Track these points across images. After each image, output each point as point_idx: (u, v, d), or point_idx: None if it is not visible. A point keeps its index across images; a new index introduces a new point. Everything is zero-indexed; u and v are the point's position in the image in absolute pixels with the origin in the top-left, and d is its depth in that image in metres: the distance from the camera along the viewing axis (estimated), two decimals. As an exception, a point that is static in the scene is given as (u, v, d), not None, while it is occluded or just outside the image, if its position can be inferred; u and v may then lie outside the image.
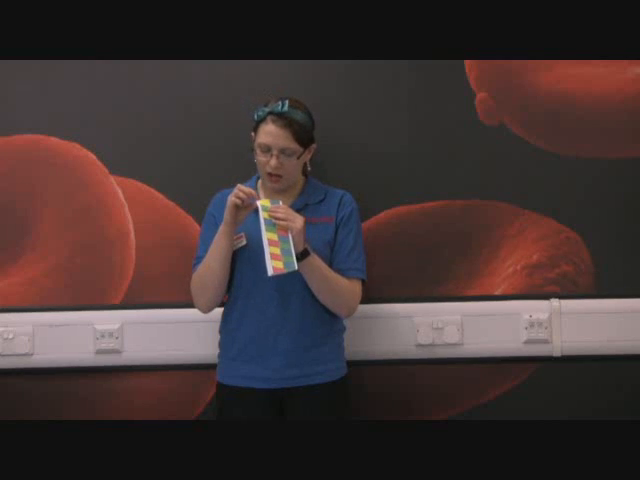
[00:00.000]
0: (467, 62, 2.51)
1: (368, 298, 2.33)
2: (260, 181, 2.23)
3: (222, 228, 2.06)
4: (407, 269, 2.50)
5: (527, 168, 2.53)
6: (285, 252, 1.99)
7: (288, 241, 1.98)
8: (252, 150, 2.17)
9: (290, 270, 1.98)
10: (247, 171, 2.33)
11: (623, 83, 2.53)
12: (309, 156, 2.20)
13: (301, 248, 2.02)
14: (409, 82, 2.52)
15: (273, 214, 1.99)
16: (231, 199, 2.02)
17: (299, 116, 2.12)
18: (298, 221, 2.00)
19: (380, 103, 2.50)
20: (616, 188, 2.56)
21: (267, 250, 1.97)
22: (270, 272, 1.98)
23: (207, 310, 2.16)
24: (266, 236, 1.98)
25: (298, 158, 2.14)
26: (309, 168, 2.22)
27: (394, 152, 2.50)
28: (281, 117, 2.10)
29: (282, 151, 2.10)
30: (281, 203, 2.01)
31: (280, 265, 1.95)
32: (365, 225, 2.47)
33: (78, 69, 2.52)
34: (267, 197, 2.16)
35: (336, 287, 2.10)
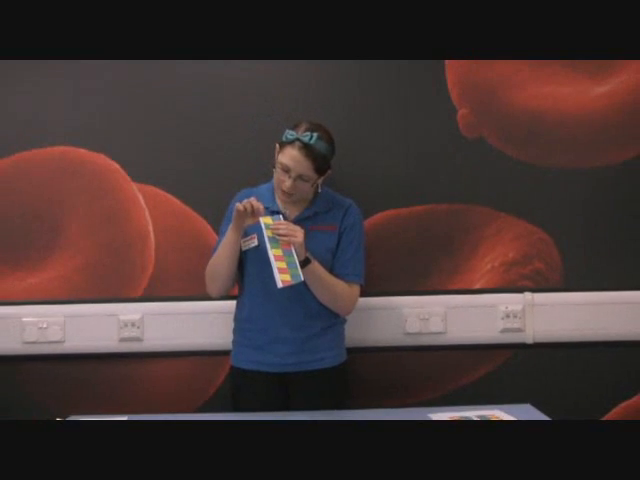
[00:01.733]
0: (450, 80, 2.65)
1: (362, 292, 2.42)
2: None
3: (231, 226, 2.19)
4: (397, 266, 2.64)
5: (504, 176, 2.67)
6: (290, 265, 2.09)
7: (292, 254, 2.08)
8: (273, 162, 2.27)
9: (297, 281, 2.08)
10: (257, 179, 2.46)
11: (588, 100, 2.66)
12: (322, 180, 2.28)
13: (302, 257, 2.12)
14: (398, 100, 2.65)
15: (275, 231, 2.10)
16: (238, 205, 2.13)
17: (323, 148, 2.18)
18: (299, 234, 2.10)
19: (376, 118, 2.63)
20: (583, 194, 2.69)
21: (274, 265, 2.06)
22: (279, 285, 2.07)
23: (216, 295, 2.31)
24: (272, 252, 2.07)
25: (312, 185, 2.25)
26: (320, 190, 2.32)
27: (385, 160, 2.62)
28: (307, 147, 2.17)
29: (299, 176, 2.18)
30: (281, 218, 2.11)
31: (287, 278, 2.05)
32: (370, 222, 2.60)
33: (100, 87, 2.66)
34: (280, 203, 2.27)
35: (335, 291, 2.20)
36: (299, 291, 2.20)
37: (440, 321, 2.62)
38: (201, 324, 2.58)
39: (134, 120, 2.63)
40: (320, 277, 2.18)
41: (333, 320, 2.31)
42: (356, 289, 2.28)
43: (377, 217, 2.64)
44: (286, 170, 2.19)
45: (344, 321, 2.37)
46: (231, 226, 2.18)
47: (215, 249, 2.33)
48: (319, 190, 2.30)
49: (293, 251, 2.09)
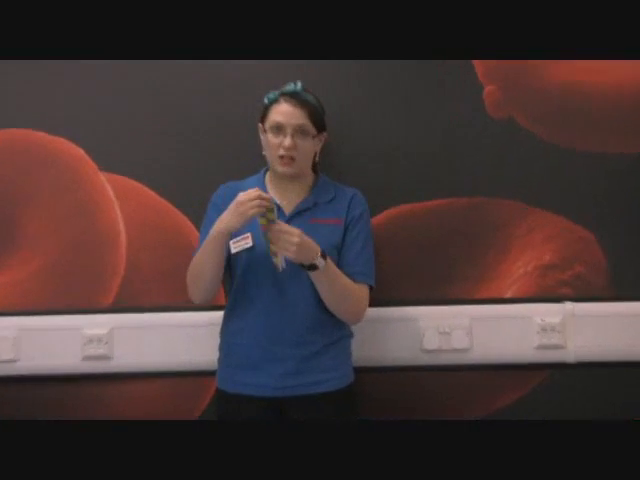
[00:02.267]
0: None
1: (372, 300, 2.16)
2: (268, 175, 2.10)
3: (222, 231, 1.92)
4: (412, 270, 2.36)
5: (536, 163, 2.39)
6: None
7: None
8: (261, 145, 2.08)
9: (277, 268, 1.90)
10: (245, 169, 2.23)
11: (638, 73, 2.40)
12: (320, 145, 2.07)
13: (307, 261, 1.89)
14: (411, 75, 2.41)
15: (269, 234, 1.87)
16: (254, 209, 1.85)
17: (312, 98, 2.03)
18: (291, 246, 1.86)
19: (382, 98, 2.38)
20: (632, 184, 2.41)
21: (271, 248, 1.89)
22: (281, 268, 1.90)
23: (199, 302, 2.05)
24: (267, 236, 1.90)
25: (313, 139, 2.01)
26: (317, 159, 2.09)
27: (395, 148, 2.36)
28: (294, 97, 2.01)
29: (296, 130, 1.98)
30: (277, 220, 1.85)
31: (277, 261, 1.89)
32: (379, 218, 2.36)
33: (62, 64, 2.41)
34: (276, 190, 2.05)
35: (349, 293, 1.97)
36: (300, 298, 1.96)
37: (464, 336, 2.33)
38: (182, 339, 2.30)
39: (101, 99, 2.39)
40: (334, 278, 1.93)
41: (338, 334, 2.04)
42: (366, 291, 2.02)
43: (388, 213, 2.35)
44: (279, 129, 1.98)
45: (351, 335, 2.11)
46: (221, 232, 1.90)
47: (199, 243, 2.07)
48: (317, 159, 2.08)
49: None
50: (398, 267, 2.35)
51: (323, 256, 1.88)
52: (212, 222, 1.99)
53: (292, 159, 1.97)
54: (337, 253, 2.00)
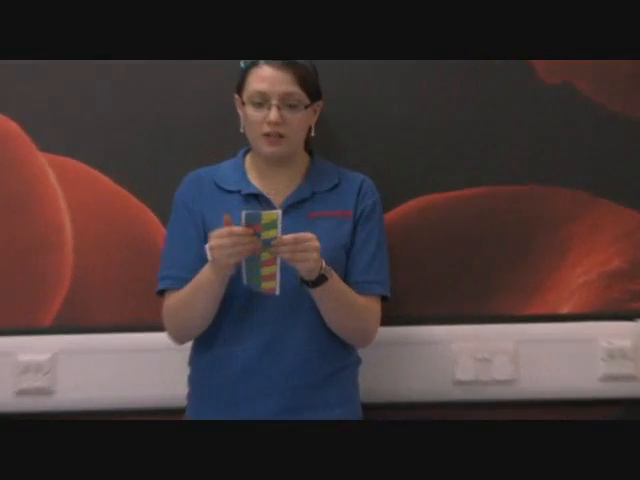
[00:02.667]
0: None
1: (387, 317, 1.92)
2: (249, 157, 1.86)
3: (217, 276, 1.71)
4: (440, 278, 2.12)
5: (602, 142, 2.13)
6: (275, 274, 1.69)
7: (277, 263, 1.68)
8: (239, 121, 1.84)
9: (273, 293, 1.70)
10: (221, 150, 1.97)
11: None
12: (315, 118, 1.84)
13: (314, 276, 1.69)
14: None
15: (278, 251, 1.65)
16: (236, 256, 1.65)
17: (299, 58, 1.80)
18: (311, 257, 1.66)
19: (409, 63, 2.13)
20: None
21: (261, 272, 1.68)
22: (262, 290, 1.69)
23: (181, 343, 1.85)
24: (262, 257, 1.67)
25: (305, 109, 1.78)
26: (313, 133, 1.85)
27: (421, 124, 2.11)
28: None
29: (284, 99, 1.76)
30: (280, 214, 1.62)
31: (273, 285, 1.67)
32: (394, 215, 2.11)
33: None
34: (260, 177, 1.82)
35: (356, 309, 1.80)
36: (297, 317, 1.77)
37: (508, 363, 2.09)
38: (145, 368, 2.07)
39: (42, 65, 2.12)
40: (341, 292, 1.76)
41: (344, 360, 1.84)
42: (378, 304, 1.84)
43: (407, 207, 2.10)
44: (262, 100, 1.76)
45: (358, 362, 1.89)
46: (215, 272, 1.70)
47: (167, 270, 1.83)
48: (312, 134, 1.84)
49: (278, 264, 1.66)
50: (421, 275, 2.11)
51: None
52: (185, 232, 1.80)
53: (280, 137, 1.77)
54: (345, 253, 1.80)
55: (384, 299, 1.85)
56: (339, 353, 1.82)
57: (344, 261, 1.80)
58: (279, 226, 1.59)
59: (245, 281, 1.64)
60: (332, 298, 1.74)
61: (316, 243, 1.62)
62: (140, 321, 2.07)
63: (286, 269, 1.66)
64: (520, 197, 2.11)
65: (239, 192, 1.77)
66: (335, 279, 1.71)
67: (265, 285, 1.66)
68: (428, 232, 2.13)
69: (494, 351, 2.09)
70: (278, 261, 1.63)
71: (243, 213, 1.58)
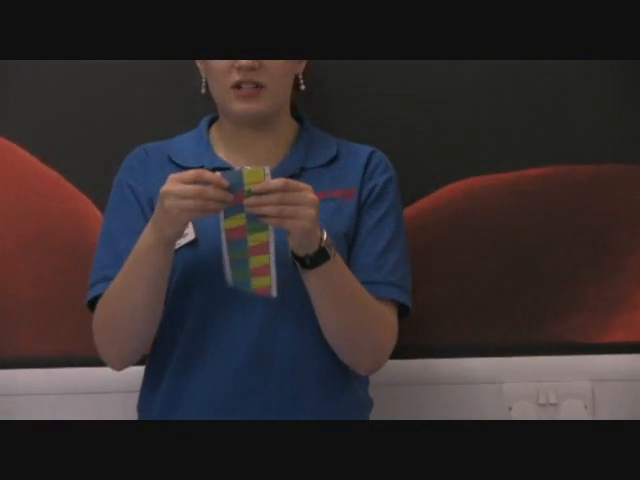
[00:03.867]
0: None
1: (412, 346, 1.70)
2: (215, 127, 1.60)
3: (158, 239, 1.43)
4: (485, 290, 1.78)
5: None
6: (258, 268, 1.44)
7: (269, 254, 1.43)
8: (201, 82, 1.60)
9: (265, 295, 1.44)
10: (181, 120, 1.71)
11: None
12: (302, 65, 1.59)
13: (312, 248, 1.41)
14: None
15: (256, 209, 1.36)
16: (200, 204, 1.38)
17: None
18: (304, 213, 1.38)
19: None
20: None
21: (249, 266, 1.42)
22: (233, 284, 1.45)
23: (122, 365, 1.55)
24: (249, 242, 1.40)
25: (288, 71, 1.57)
26: (303, 86, 1.60)
27: (460, 92, 1.79)
28: None
29: None
30: (267, 171, 1.37)
31: (267, 282, 1.40)
32: (411, 211, 1.75)
33: None
34: (231, 150, 1.57)
35: (366, 313, 1.50)
36: (287, 331, 1.48)
37: (581, 409, 1.78)
38: (80, 414, 1.75)
39: None
40: (345, 288, 1.45)
41: (350, 398, 1.55)
42: (393, 314, 1.52)
43: (437, 197, 1.79)
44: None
45: (368, 404, 1.58)
46: (157, 241, 1.42)
47: (101, 269, 1.55)
48: (302, 87, 1.62)
49: (272, 252, 1.37)
50: (456, 288, 1.79)
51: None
52: (127, 220, 1.55)
53: (257, 87, 1.50)
54: (346, 245, 1.54)
55: (403, 312, 1.52)
56: (341, 387, 1.51)
57: (346, 252, 1.50)
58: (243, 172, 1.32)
59: (230, 280, 1.37)
60: (334, 289, 1.44)
61: (313, 196, 1.34)
62: (73, 351, 1.74)
63: None
64: (592, 180, 1.75)
65: (202, 167, 1.46)
66: (340, 262, 1.43)
67: (256, 282, 1.38)
68: (467, 226, 1.75)
69: (562, 393, 1.77)
70: (272, 246, 1.34)
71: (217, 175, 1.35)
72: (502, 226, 1.75)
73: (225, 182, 1.29)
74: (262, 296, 1.38)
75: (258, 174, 1.28)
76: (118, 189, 1.54)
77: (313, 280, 1.39)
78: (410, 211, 1.71)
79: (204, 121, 1.57)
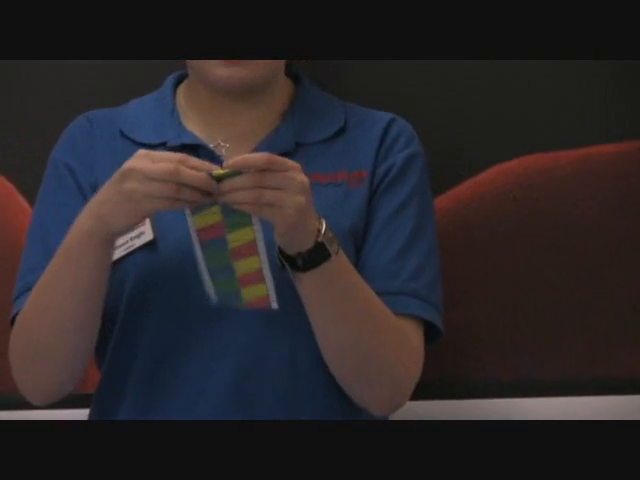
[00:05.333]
0: None
1: (443, 381, 1.42)
2: (183, 88, 1.35)
3: (101, 232, 1.18)
4: (543, 308, 1.45)
5: None
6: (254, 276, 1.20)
7: (258, 253, 1.17)
8: None
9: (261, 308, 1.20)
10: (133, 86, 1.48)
11: None
12: None
13: (304, 245, 1.16)
14: None
15: (231, 198, 1.11)
16: (171, 190, 1.12)
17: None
18: (289, 201, 1.13)
19: None
20: None
21: (235, 273, 1.18)
22: (223, 302, 1.21)
23: (45, 400, 1.31)
24: (230, 242, 1.15)
25: None
26: None
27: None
28: None
29: None
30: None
31: (262, 292, 1.16)
32: (444, 202, 1.48)
33: None
34: (202, 117, 1.34)
35: (377, 332, 1.23)
36: (280, 359, 1.24)
37: None
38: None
39: None
40: (348, 291, 1.20)
41: None
42: (418, 338, 1.24)
43: (491, 175, 1.46)
44: None
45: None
46: (104, 222, 1.17)
47: (28, 273, 1.29)
48: None
49: (262, 252, 1.15)
50: (501, 305, 1.48)
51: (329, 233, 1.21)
52: (63, 208, 1.32)
53: None
54: (354, 246, 1.31)
55: (431, 335, 1.28)
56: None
57: (353, 254, 1.28)
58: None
59: (212, 295, 1.17)
60: (337, 299, 1.22)
61: (302, 177, 1.14)
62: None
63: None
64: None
65: (164, 145, 1.26)
66: (345, 263, 1.23)
67: (247, 293, 1.17)
68: (520, 225, 1.43)
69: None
70: (261, 243, 1.14)
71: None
72: (566, 221, 1.43)
73: (212, 182, 1.09)
74: (258, 310, 1.17)
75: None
76: (52, 170, 1.30)
77: (308, 287, 1.15)
78: (443, 202, 1.42)
79: (169, 81, 1.32)
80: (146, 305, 1.22)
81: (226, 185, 1.08)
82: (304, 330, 1.21)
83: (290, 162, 1.12)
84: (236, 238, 1.12)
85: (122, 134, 1.26)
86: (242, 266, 1.14)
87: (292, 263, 1.14)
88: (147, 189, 1.07)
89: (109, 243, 1.15)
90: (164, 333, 1.22)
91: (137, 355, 1.22)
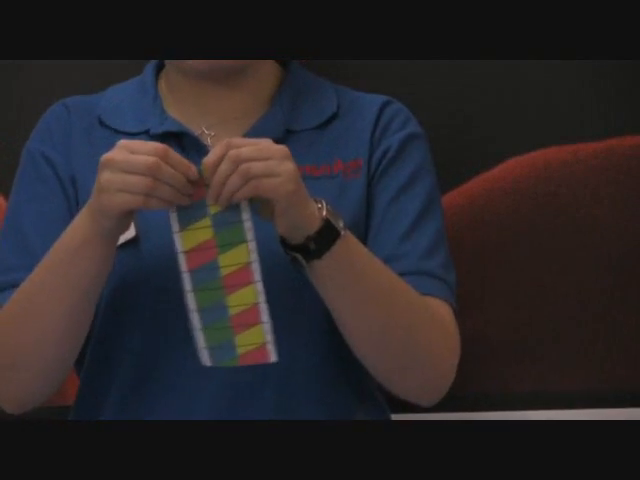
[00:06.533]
0: None
1: (459, 395, 1.27)
2: (165, 75, 1.26)
3: (95, 231, 1.10)
4: (569, 315, 1.36)
5: None
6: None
7: (254, 282, 1.05)
8: None
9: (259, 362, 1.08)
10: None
11: None
12: None
13: (310, 227, 1.08)
14: None
15: (225, 192, 1.04)
16: (148, 184, 1.05)
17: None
18: (279, 168, 1.05)
19: None
20: None
21: (228, 312, 1.07)
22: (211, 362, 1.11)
23: (21, 408, 1.22)
24: (222, 267, 1.05)
25: None
26: None
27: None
28: None
29: None
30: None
31: (259, 337, 1.05)
32: (455, 197, 1.40)
33: None
34: (184, 103, 1.24)
35: (409, 309, 1.15)
36: (299, 363, 1.16)
37: None
38: None
39: None
40: (369, 268, 1.13)
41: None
42: (449, 314, 1.18)
43: (507, 168, 1.37)
44: None
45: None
46: (89, 234, 1.12)
47: (3, 265, 1.22)
48: None
49: (258, 281, 1.03)
50: (523, 310, 1.37)
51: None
52: (40, 202, 1.24)
53: None
54: (357, 238, 1.21)
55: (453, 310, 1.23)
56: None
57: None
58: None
59: (204, 352, 1.07)
60: (360, 278, 1.14)
61: (279, 146, 1.09)
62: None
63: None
64: None
65: (146, 133, 1.19)
66: (355, 240, 1.16)
67: (242, 342, 1.06)
68: (541, 222, 1.33)
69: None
70: (257, 268, 1.03)
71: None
72: (587, 219, 1.32)
73: (195, 171, 1.02)
74: (257, 363, 1.07)
75: None
76: (28, 161, 1.23)
77: (327, 274, 1.07)
78: (454, 197, 1.32)
79: (150, 68, 1.25)
80: (128, 304, 1.16)
81: (215, 180, 1.02)
82: (303, 330, 1.14)
83: (262, 139, 1.08)
84: (229, 261, 1.03)
85: (101, 122, 1.19)
86: (236, 301, 1.05)
87: (304, 251, 1.06)
88: (122, 183, 1.01)
89: (107, 244, 1.09)
90: (149, 335, 1.15)
91: (120, 358, 1.16)
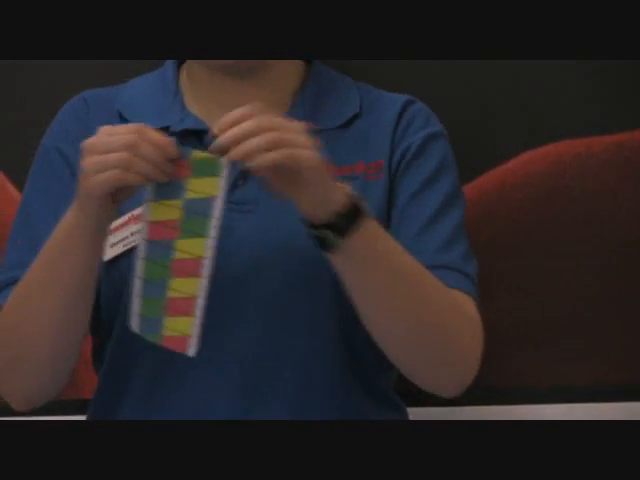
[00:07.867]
0: None
1: (475, 388, 1.19)
2: (185, 70, 1.25)
3: (80, 219, 1.10)
4: (583, 309, 1.35)
5: None
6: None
7: (201, 276, 1.09)
8: None
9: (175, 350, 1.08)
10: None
11: None
12: None
13: (336, 203, 1.07)
14: None
15: (238, 151, 1.02)
16: (125, 160, 1.04)
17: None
18: (301, 140, 1.04)
19: None
20: None
21: (166, 293, 1.06)
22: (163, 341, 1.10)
23: (29, 404, 1.22)
24: (177, 250, 1.05)
25: None
26: None
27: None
28: None
29: None
30: (225, 163, 1.04)
31: (185, 329, 1.05)
32: (471, 191, 1.37)
33: None
34: (205, 99, 1.25)
35: (436, 298, 1.15)
36: (285, 370, 1.18)
37: None
38: None
39: None
40: (395, 252, 1.12)
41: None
42: (472, 305, 1.17)
43: (521, 162, 1.36)
44: None
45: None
46: (79, 222, 1.12)
47: (12, 265, 1.21)
48: None
49: (205, 278, 1.06)
50: (536, 304, 1.36)
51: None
52: (49, 194, 1.24)
53: None
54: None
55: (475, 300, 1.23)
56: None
57: None
58: (221, 185, 1.01)
59: (135, 316, 1.08)
60: (388, 260, 1.13)
61: (300, 124, 1.09)
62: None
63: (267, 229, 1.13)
64: None
65: (167, 129, 1.16)
66: (378, 226, 1.16)
67: (169, 324, 1.06)
68: (555, 217, 1.32)
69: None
70: (207, 267, 1.03)
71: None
72: (601, 213, 1.32)
73: (175, 149, 1.01)
74: (175, 351, 1.06)
75: (209, 162, 0.99)
76: (43, 155, 1.22)
77: (354, 255, 1.06)
78: (469, 191, 1.30)
79: (170, 63, 1.23)
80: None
81: (234, 132, 1.01)
82: (315, 329, 1.14)
83: (291, 129, 1.05)
84: (186, 248, 1.04)
85: (121, 116, 1.19)
86: (177, 286, 1.06)
87: (334, 228, 1.06)
88: (100, 163, 1.01)
89: (93, 232, 1.09)
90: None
91: (139, 355, 1.16)
